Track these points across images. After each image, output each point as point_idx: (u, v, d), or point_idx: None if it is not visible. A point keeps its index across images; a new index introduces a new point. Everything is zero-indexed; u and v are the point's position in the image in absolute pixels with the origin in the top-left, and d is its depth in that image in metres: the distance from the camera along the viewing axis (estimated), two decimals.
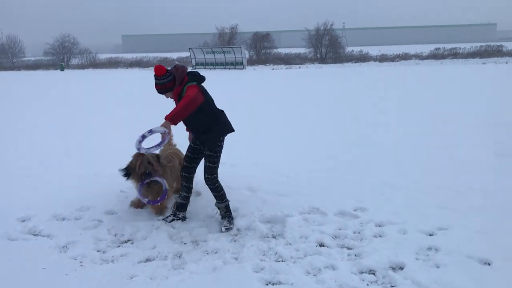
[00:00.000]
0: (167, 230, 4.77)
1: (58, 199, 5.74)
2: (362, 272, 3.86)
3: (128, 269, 3.99)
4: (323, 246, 4.39)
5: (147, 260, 4.20)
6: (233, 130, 5.01)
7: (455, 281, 3.63)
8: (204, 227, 4.90)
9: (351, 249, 4.31)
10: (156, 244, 4.47)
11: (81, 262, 4.14)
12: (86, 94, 20.81)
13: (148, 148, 4.74)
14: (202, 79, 4.86)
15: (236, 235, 4.73)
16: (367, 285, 3.68)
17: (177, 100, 4.75)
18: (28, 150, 8.77)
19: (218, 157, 4.87)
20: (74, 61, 64.80)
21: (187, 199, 5.10)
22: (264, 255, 4.22)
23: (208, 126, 4.74)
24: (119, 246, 4.48)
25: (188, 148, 5.10)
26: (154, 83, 4.72)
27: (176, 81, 4.63)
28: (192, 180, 5.11)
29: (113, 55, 68.89)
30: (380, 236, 4.55)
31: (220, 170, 6.80)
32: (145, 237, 4.64)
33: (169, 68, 4.72)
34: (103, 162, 7.63)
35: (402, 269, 3.88)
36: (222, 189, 4.98)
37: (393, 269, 3.90)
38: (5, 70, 56.59)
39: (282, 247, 4.36)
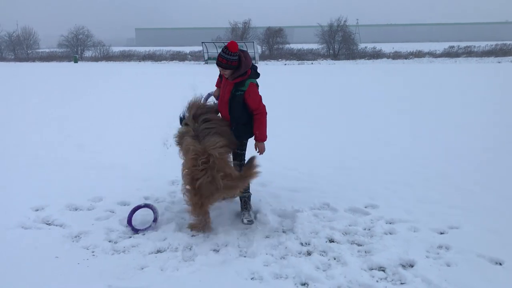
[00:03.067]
0: (178, 222, 4.80)
1: (71, 189, 5.81)
2: (372, 269, 3.85)
3: (139, 260, 4.03)
4: (333, 242, 4.39)
5: (158, 251, 4.23)
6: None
7: (466, 280, 3.61)
8: (215, 220, 4.92)
9: (361, 245, 4.30)
10: (167, 236, 4.51)
11: (93, 251, 4.20)
12: (101, 86, 20.94)
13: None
14: (259, 76, 4.96)
15: (246, 229, 4.74)
16: (377, 281, 3.68)
17: (231, 87, 4.71)
18: (41, 141, 8.87)
19: (245, 146, 4.99)
20: (88, 53, 65.20)
21: (248, 189, 5.05)
22: (274, 249, 4.24)
23: (249, 119, 4.83)
24: (130, 237, 4.52)
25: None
26: (219, 55, 4.62)
27: (242, 68, 4.62)
28: None
29: (126, 48, 69.22)
30: (390, 234, 4.53)
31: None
32: (156, 229, 4.68)
33: (240, 50, 4.73)
34: (116, 154, 7.71)
35: (412, 266, 3.87)
36: None
37: (403, 266, 3.89)
38: (20, 61, 57.20)
39: (292, 241, 4.37)
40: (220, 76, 5.04)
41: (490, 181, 6.08)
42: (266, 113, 4.88)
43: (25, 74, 30.18)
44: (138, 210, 4.85)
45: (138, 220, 4.82)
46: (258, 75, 4.90)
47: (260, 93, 4.80)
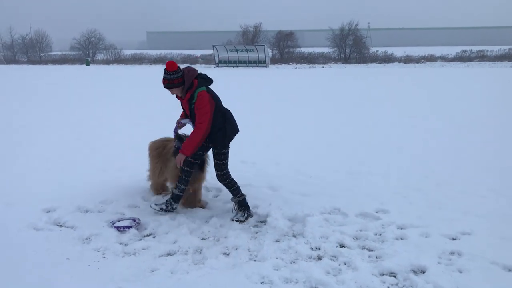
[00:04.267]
0: (188, 225, 4.81)
1: (82, 191, 5.85)
2: (383, 274, 3.82)
3: (149, 263, 4.04)
4: (344, 246, 4.36)
5: (168, 254, 4.24)
6: (238, 131, 5.13)
7: (479, 287, 3.57)
8: (225, 223, 4.92)
9: (372, 250, 4.27)
10: (177, 238, 4.51)
11: (103, 254, 4.21)
12: (112, 89, 21.11)
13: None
14: (210, 81, 4.93)
15: (257, 232, 4.74)
16: (388, 287, 3.65)
17: (187, 105, 4.85)
18: (53, 144, 8.95)
19: (226, 155, 4.98)
20: (100, 56, 65.87)
21: (183, 191, 5.13)
22: (284, 253, 4.22)
23: (219, 126, 4.85)
24: (140, 240, 4.54)
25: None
26: (162, 78, 4.79)
27: (185, 82, 4.73)
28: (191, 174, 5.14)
29: (138, 51, 69.75)
30: (401, 239, 4.49)
31: (241, 168, 6.84)
32: (167, 232, 4.69)
33: (179, 67, 4.80)
34: (126, 157, 7.74)
35: (423, 272, 3.83)
36: (234, 184, 5.08)
37: (415, 272, 3.85)
38: (32, 64, 57.84)
39: (302, 246, 4.35)
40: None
41: (503, 187, 6.00)
42: (203, 129, 4.75)
43: (38, 77, 30.51)
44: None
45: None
46: (209, 81, 4.90)
47: (211, 101, 4.79)
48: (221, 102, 5.00)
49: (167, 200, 5.14)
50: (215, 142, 4.91)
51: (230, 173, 5.08)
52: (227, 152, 5.01)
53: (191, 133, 4.81)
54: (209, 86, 4.94)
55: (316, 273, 3.80)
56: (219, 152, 4.93)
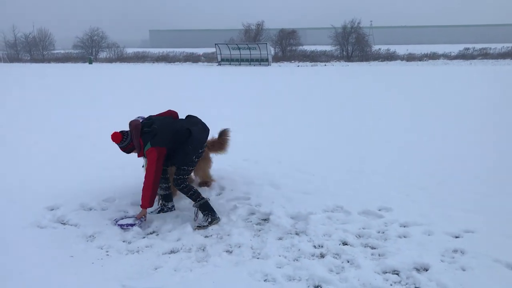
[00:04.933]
0: (192, 223, 4.82)
1: (86, 189, 5.87)
2: (386, 272, 3.82)
3: (152, 260, 4.05)
4: (346, 244, 4.37)
5: (172, 252, 4.25)
6: (204, 145, 5.13)
7: (482, 285, 3.56)
8: (228, 221, 4.93)
9: (374, 248, 4.27)
10: (180, 236, 4.53)
11: (107, 251, 4.23)
12: (115, 87, 21.13)
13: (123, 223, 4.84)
14: (154, 131, 4.76)
15: (259, 230, 4.75)
16: (391, 285, 3.65)
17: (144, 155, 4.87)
18: (57, 141, 8.97)
19: (187, 172, 4.94)
20: (102, 54, 65.91)
21: (168, 189, 5.23)
22: (287, 251, 4.23)
23: (179, 149, 4.84)
24: (144, 237, 4.55)
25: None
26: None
27: (135, 145, 4.78)
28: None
29: (140, 50, 69.72)
30: (404, 237, 4.49)
31: (244, 166, 6.85)
32: (170, 229, 4.71)
33: (124, 131, 4.91)
34: (129, 155, 7.74)
35: (426, 270, 3.83)
36: (190, 189, 4.90)
37: (418, 270, 3.85)
38: (35, 62, 57.94)
39: (305, 244, 4.36)
40: None
41: (507, 185, 5.99)
42: (150, 180, 4.68)
43: (40, 75, 30.56)
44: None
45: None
46: (151, 134, 4.73)
47: (160, 151, 4.72)
48: (180, 125, 4.94)
49: (161, 203, 5.26)
50: (174, 161, 4.95)
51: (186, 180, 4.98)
52: (189, 172, 4.99)
53: (143, 188, 4.74)
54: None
55: (319, 271, 3.81)
56: (180, 168, 4.89)
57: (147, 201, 4.71)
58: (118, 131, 4.92)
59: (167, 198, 5.24)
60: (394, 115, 12.11)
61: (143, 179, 4.73)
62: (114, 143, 4.88)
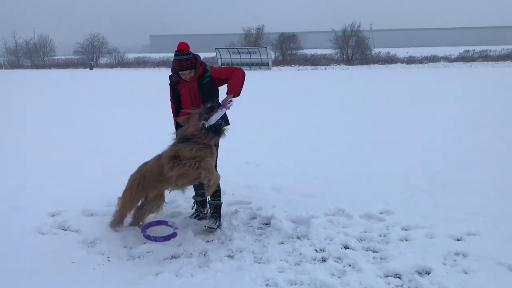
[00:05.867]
0: (193, 228, 4.81)
1: (87, 195, 5.86)
2: (388, 276, 3.81)
3: (154, 266, 4.05)
4: (348, 248, 4.35)
5: (173, 257, 4.24)
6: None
7: None
8: (229, 225, 4.93)
9: (376, 252, 4.26)
10: (181, 241, 4.52)
11: (108, 257, 4.22)
12: (116, 93, 21.17)
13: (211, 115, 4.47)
14: None
15: (261, 235, 4.74)
16: None
17: (195, 83, 4.64)
18: (58, 147, 8.97)
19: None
20: (103, 60, 66.00)
21: (203, 195, 4.99)
22: (288, 255, 4.22)
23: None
24: (145, 243, 4.54)
25: None
26: (178, 61, 4.55)
27: (198, 61, 4.63)
28: None
29: (141, 55, 69.86)
30: (406, 240, 4.48)
31: (246, 170, 6.85)
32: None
33: (190, 50, 4.67)
34: (131, 160, 7.73)
35: (428, 273, 3.82)
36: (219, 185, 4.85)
37: (420, 273, 3.84)
38: (36, 68, 58.08)
39: (306, 248, 4.34)
40: (173, 93, 4.85)
41: (509, 187, 5.97)
42: (241, 69, 4.68)
43: (42, 81, 30.62)
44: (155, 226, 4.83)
45: (155, 231, 4.78)
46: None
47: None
48: None
49: (198, 210, 5.14)
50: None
51: None
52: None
53: (235, 76, 4.60)
54: None
55: (321, 275, 3.80)
56: (217, 148, 4.79)
57: (240, 88, 4.59)
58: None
59: (203, 204, 5.14)
60: (395, 117, 12.09)
61: (236, 76, 4.59)
62: (181, 50, 4.53)
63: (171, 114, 5.00)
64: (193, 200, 5.16)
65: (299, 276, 3.80)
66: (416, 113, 12.83)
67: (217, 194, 4.85)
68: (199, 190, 4.99)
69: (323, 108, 14.30)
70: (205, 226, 4.79)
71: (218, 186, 4.76)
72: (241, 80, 4.60)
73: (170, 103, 4.96)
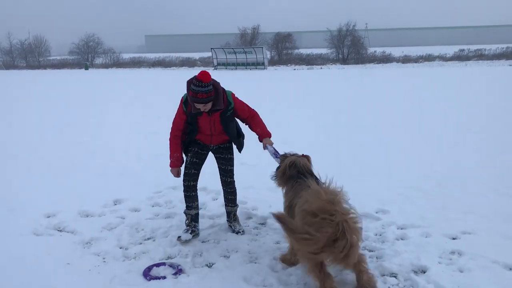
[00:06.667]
0: (199, 211, 4.78)
1: (83, 196, 5.85)
2: (384, 275, 3.81)
3: (149, 266, 4.03)
4: None
5: (169, 257, 4.23)
6: None
7: (480, 286, 3.55)
8: (225, 226, 4.92)
9: (372, 251, 4.26)
10: (177, 241, 4.50)
11: (104, 258, 4.21)
12: (112, 93, 21.11)
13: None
14: None
15: (257, 234, 4.73)
16: None
17: (218, 116, 4.35)
18: (54, 148, 8.95)
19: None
20: (98, 60, 65.89)
21: (198, 207, 4.71)
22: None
23: (239, 130, 4.77)
24: (141, 243, 4.53)
25: (193, 154, 4.57)
26: (193, 91, 4.07)
27: (219, 94, 4.23)
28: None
29: (136, 55, 69.75)
30: (402, 239, 4.49)
31: (242, 170, 6.83)
32: (167, 235, 4.69)
33: (211, 78, 4.19)
34: (127, 161, 7.74)
35: (424, 272, 3.82)
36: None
37: (415, 272, 3.84)
38: (31, 69, 57.86)
39: None
40: (191, 119, 4.40)
41: (504, 186, 5.99)
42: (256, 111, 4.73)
43: (37, 82, 30.51)
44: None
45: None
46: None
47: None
48: None
49: (191, 223, 4.64)
50: (238, 146, 4.78)
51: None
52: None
53: (257, 120, 4.70)
54: None
55: None
56: (233, 158, 4.76)
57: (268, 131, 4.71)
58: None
59: (197, 219, 4.70)
60: (391, 117, 12.12)
61: (257, 119, 4.72)
62: (202, 81, 4.02)
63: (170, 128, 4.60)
64: (186, 215, 4.70)
65: (294, 277, 3.79)
66: (412, 112, 12.87)
67: (235, 200, 4.84)
68: (193, 203, 4.62)
69: (319, 108, 14.31)
70: (238, 232, 4.71)
71: (236, 193, 4.82)
72: (263, 123, 4.74)
73: (174, 118, 4.52)
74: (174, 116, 4.51)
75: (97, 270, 3.96)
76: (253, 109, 4.69)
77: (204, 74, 4.07)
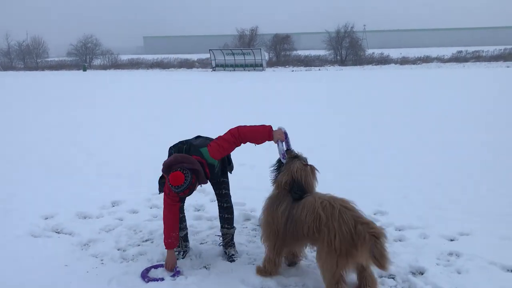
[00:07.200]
0: (188, 231, 4.79)
1: (81, 197, 5.84)
2: (382, 276, 3.81)
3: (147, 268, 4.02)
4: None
5: None
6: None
7: (477, 287, 3.57)
8: None
9: None
10: None
11: (102, 260, 4.20)
12: (110, 95, 21.09)
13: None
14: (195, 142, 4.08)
15: (255, 236, 4.74)
16: None
17: (210, 180, 4.07)
18: (52, 150, 8.94)
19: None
20: (96, 61, 65.85)
21: (186, 227, 4.44)
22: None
23: (228, 157, 4.27)
24: (139, 245, 4.53)
25: None
26: (174, 192, 3.75)
27: (199, 172, 3.79)
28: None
29: (135, 56, 69.67)
30: (400, 240, 4.50)
31: (240, 171, 6.83)
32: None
33: (183, 171, 3.69)
34: (125, 163, 7.73)
35: (422, 274, 3.83)
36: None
37: (413, 274, 3.85)
38: (29, 70, 57.78)
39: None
40: None
41: (502, 187, 6.01)
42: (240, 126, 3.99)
43: (35, 83, 30.47)
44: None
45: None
46: (198, 143, 4.03)
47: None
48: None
49: (184, 244, 4.37)
50: (230, 170, 4.36)
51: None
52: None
53: (242, 131, 3.91)
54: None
55: (314, 277, 3.79)
56: (227, 181, 4.32)
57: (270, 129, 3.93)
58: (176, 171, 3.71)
59: (187, 238, 4.43)
60: (389, 117, 12.13)
61: (245, 132, 3.90)
62: (174, 186, 3.67)
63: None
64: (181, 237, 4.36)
65: (293, 278, 3.79)
66: (410, 113, 12.88)
67: (232, 220, 4.35)
68: (181, 224, 4.28)
69: (317, 109, 14.31)
70: (230, 259, 4.19)
71: (233, 212, 4.35)
72: (249, 127, 3.96)
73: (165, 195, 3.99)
74: (164, 194, 4.00)
75: (95, 272, 3.95)
76: (230, 132, 3.92)
77: (175, 179, 3.65)
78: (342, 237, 3.24)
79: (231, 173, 4.36)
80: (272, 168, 4.10)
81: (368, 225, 3.29)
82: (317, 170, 4.02)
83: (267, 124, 4.00)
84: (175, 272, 3.92)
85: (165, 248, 3.98)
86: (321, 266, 3.44)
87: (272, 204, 3.82)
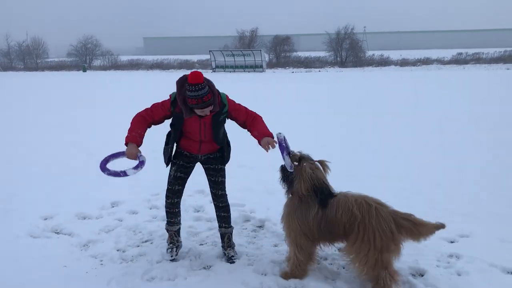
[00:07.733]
0: (187, 231, 4.79)
1: (80, 198, 5.84)
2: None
3: (146, 269, 4.01)
4: (341, 250, 4.34)
5: (166, 260, 4.21)
6: None
7: None
8: None
9: None
10: None
11: (101, 260, 4.19)
12: (109, 96, 21.09)
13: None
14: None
15: (254, 237, 4.73)
16: None
17: (210, 119, 3.92)
18: (51, 150, 8.93)
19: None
20: (96, 62, 65.90)
21: (180, 222, 4.36)
22: (282, 258, 4.20)
23: (227, 138, 4.29)
24: (138, 246, 4.52)
25: (178, 168, 4.19)
26: (191, 98, 3.62)
27: (215, 95, 3.78)
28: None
29: (135, 57, 69.70)
30: None
31: (240, 172, 6.82)
32: (164, 237, 4.66)
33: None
34: (124, 164, 7.71)
35: (422, 276, 3.82)
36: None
37: (413, 275, 3.85)
38: (29, 71, 57.79)
39: None
40: (177, 121, 4.01)
41: (502, 189, 6.01)
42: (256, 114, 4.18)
43: (35, 84, 30.47)
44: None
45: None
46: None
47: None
48: None
49: (175, 240, 4.30)
50: (228, 156, 4.29)
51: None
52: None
53: (257, 121, 4.07)
54: None
55: (314, 278, 3.79)
56: (224, 168, 4.27)
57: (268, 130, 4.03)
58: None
59: (179, 232, 4.38)
60: (390, 118, 12.13)
61: (258, 121, 4.08)
62: (197, 83, 3.56)
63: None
64: (168, 232, 4.32)
65: (292, 279, 3.78)
66: (410, 114, 12.88)
67: (230, 219, 4.32)
68: (175, 218, 4.26)
69: (317, 110, 14.31)
70: (230, 261, 4.16)
71: (229, 210, 4.31)
72: (265, 125, 4.09)
73: (154, 105, 4.13)
74: (154, 103, 4.05)
75: (95, 273, 3.94)
76: (254, 112, 4.15)
77: (196, 75, 3.59)
78: (382, 233, 3.46)
79: (225, 163, 4.28)
80: (280, 179, 4.19)
81: (409, 217, 3.69)
82: (327, 161, 4.26)
83: (271, 132, 4.12)
84: (138, 162, 3.73)
85: (124, 144, 3.98)
86: (359, 262, 3.53)
87: (295, 210, 3.82)
